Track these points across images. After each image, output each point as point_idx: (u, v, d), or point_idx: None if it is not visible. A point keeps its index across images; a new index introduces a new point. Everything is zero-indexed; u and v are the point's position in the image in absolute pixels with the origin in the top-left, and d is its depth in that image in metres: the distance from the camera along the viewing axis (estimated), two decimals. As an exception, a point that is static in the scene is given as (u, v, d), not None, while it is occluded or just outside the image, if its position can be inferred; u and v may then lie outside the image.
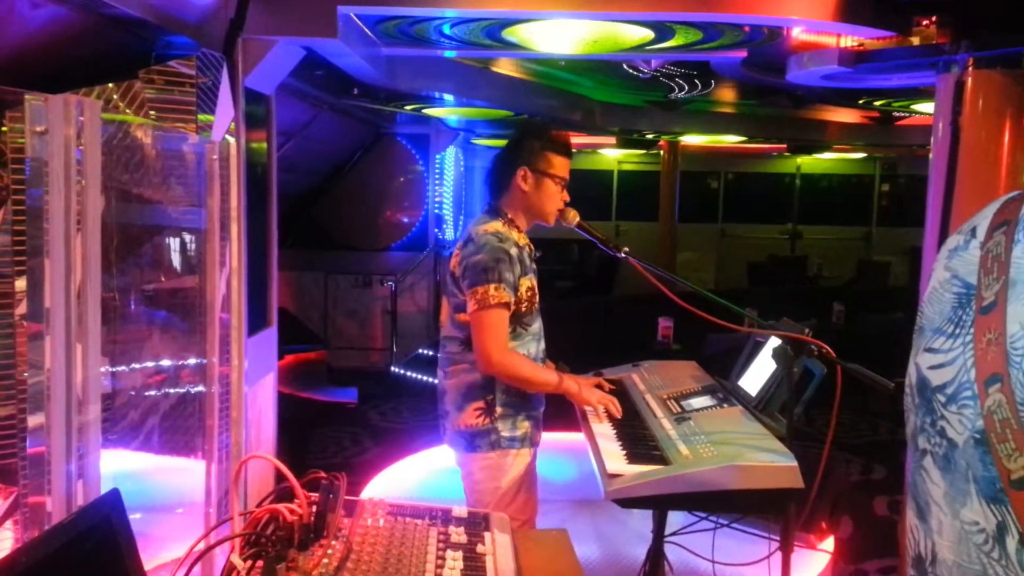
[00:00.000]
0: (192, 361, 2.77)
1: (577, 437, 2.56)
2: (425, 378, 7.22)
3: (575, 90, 7.66)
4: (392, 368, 7.76)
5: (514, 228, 2.52)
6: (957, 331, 1.11)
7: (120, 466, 3.04)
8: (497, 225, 2.48)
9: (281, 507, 1.23)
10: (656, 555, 2.73)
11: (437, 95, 6.27)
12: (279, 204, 3.91)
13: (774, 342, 2.24)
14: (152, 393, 2.81)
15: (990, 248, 1.10)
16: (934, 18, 4.02)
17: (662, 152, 11.19)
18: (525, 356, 2.48)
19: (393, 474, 4.97)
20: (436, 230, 8.71)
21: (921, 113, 7.31)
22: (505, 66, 6.33)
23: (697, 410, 2.45)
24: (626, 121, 8.92)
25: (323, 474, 1.34)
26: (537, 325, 2.55)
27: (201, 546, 1.33)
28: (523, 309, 2.45)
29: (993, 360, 1.02)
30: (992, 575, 1.03)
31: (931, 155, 3.90)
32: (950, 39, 3.79)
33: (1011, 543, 1.01)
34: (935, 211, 3.79)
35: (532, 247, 2.57)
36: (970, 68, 3.70)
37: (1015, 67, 3.62)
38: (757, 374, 2.51)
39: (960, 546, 1.08)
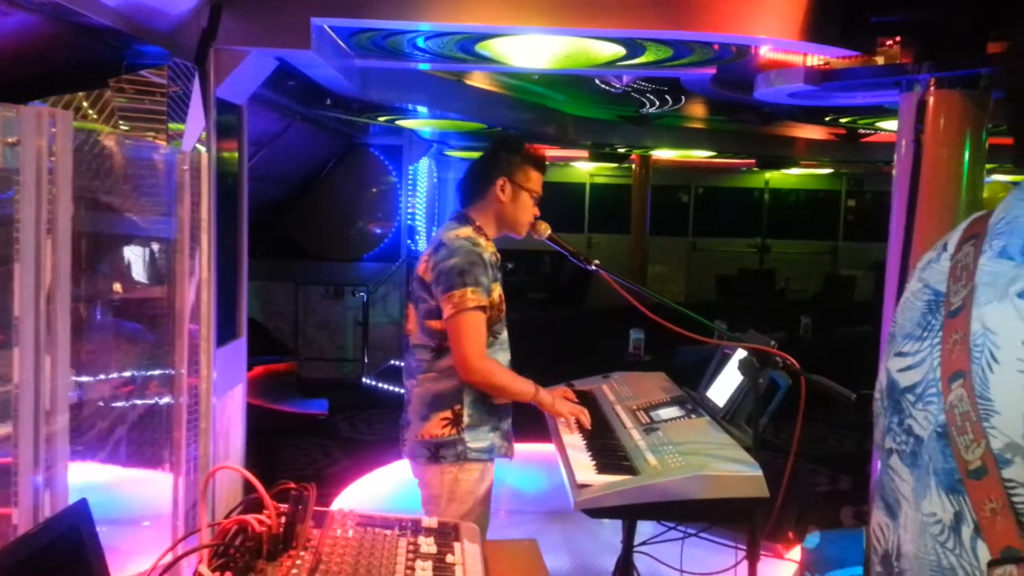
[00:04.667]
0: (160, 372, 2.74)
1: (548, 448, 2.57)
2: (397, 389, 7.20)
3: (548, 104, 7.72)
4: (364, 379, 7.72)
5: (483, 236, 2.54)
6: (925, 334, 1.16)
7: (86, 478, 3.00)
8: (468, 231, 2.50)
9: (250, 518, 1.23)
10: (625, 565, 2.75)
11: (410, 107, 6.28)
12: (250, 214, 3.90)
13: (741, 354, 2.28)
14: (120, 404, 2.78)
15: (959, 259, 1.15)
16: (898, 39, 4.13)
17: (634, 166, 11.29)
18: (502, 364, 2.49)
19: (364, 486, 4.94)
20: (409, 241, 8.70)
21: (886, 130, 7.47)
22: (479, 79, 6.37)
23: (666, 421, 2.47)
24: (598, 135, 9.00)
25: (292, 485, 1.34)
26: (505, 334, 2.57)
27: (169, 557, 1.32)
28: (493, 317, 2.47)
29: (957, 358, 1.07)
30: (947, 565, 1.07)
31: (895, 171, 4.00)
32: (913, 59, 3.89)
33: (966, 532, 1.05)
34: (898, 226, 3.88)
35: (499, 256, 2.59)
36: (932, 88, 3.81)
37: (974, 87, 3.74)
38: (724, 385, 2.55)
39: (920, 538, 1.12)
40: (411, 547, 1.37)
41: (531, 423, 2.76)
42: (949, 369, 1.08)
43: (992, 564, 1.00)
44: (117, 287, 2.85)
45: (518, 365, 2.78)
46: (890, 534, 1.18)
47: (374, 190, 8.68)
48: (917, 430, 1.14)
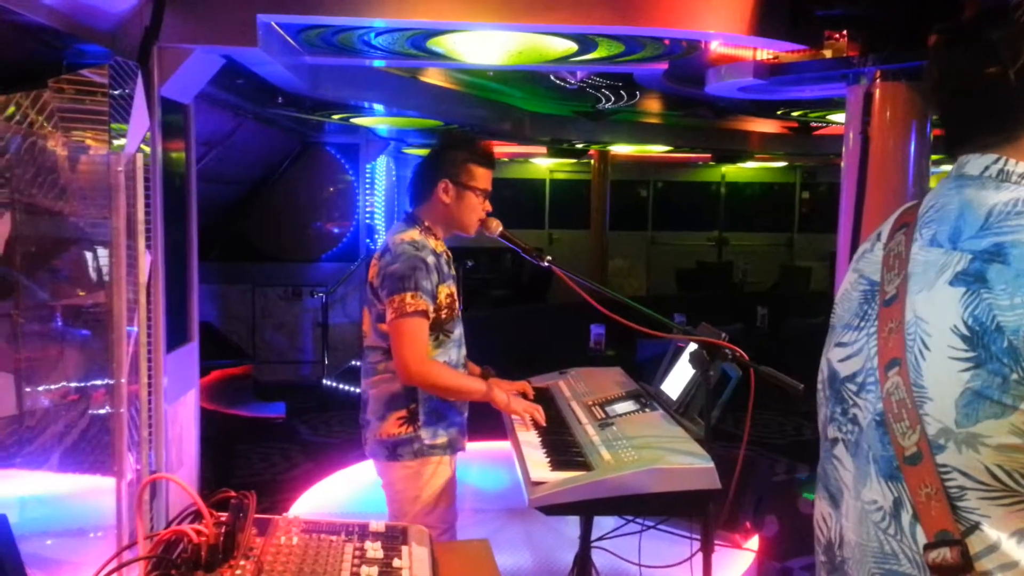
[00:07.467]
0: (108, 380, 2.67)
1: (509, 445, 2.56)
2: (358, 390, 7.10)
3: (504, 100, 7.70)
4: (324, 381, 7.64)
5: (431, 236, 2.53)
6: (863, 324, 1.18)
7: (33, 489, 2.92)
8: (414, 233, 2.48)
9: (187, 528, 1.20)
10: (583, 560, 2.75)
11: (365, 104, 6.22)
12: (202, 215, 3.82)
13: (692, 347, 2.29)
14: (68, 413, 2.71)
15: (892, 248, 1.17)
16: (845, 32, 4.20)
17: (592, 161, 11.33)
18: (446, 364, 2.48)
19: (325, 489, 4.88)
20: (368, 240, 8.62)
21: (837, 123, 7.58)
22: (434, 76, 6.33)
23: (620, 415, 2.48)
24: (555, 131, 9.01)
25: (232, 493, 1.31)
26: (458, 331, 2.56)
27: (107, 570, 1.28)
28: (443, 316, 2.46)
29: (893, 347, 1.08)
30: (888, 551, 1.09)
31: (843, 163, 4.06)
32: (859, 53, 3.95)
33: (906, 517, 1.06)
34: (847, 216, 3.95)
35: (450, 254, 2.58)
36: (877, 80, 3.88)
37: (918, 79, 3.81)
38: (678, 379, 2.56)
39: (861, 526, 1.13)
40: (357, 552, 1.35)
41: (492, 420, 2.76)
42: (886, 357, 1.09)
43: (928, 547, 1.02)
44: (61, 292, 2.77)
45: (481, 362, 2.78)
46: (833, 523, 1.20)
47: (331, 189, 8.58)
48: (860, 419, 1.15)
